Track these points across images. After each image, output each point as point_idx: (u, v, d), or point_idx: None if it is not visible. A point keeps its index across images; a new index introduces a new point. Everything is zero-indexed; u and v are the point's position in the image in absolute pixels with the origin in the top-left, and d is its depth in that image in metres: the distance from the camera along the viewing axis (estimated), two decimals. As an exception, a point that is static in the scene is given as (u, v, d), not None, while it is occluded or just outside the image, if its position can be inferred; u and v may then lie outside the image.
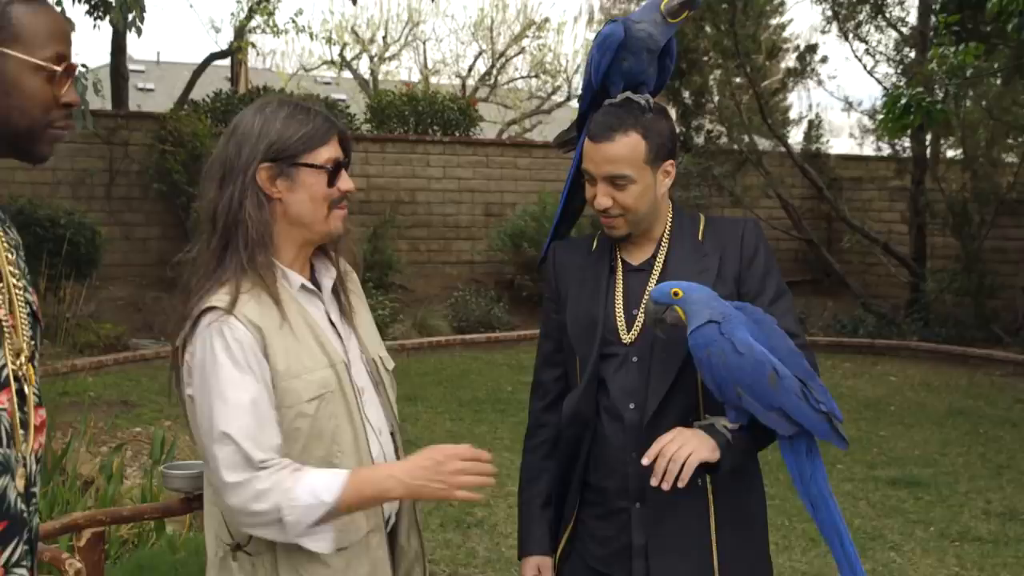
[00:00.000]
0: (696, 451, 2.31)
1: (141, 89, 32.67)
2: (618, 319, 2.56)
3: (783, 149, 15.56)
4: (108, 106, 15.40)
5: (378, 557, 2.27)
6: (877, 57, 14.80)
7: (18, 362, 1.77)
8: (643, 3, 2.61)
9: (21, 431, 1.76)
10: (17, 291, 1.81)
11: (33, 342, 1.83)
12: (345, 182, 2.28)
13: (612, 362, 2.55)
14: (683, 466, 2.28)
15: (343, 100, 23.36)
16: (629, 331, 2.54)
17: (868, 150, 16.45)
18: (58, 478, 5.42)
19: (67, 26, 1.85)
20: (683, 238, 2.60)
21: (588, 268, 2.66)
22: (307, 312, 2.28)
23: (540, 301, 14.13)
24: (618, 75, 2.60)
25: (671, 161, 2.55)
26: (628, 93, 2.57)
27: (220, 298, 2.16)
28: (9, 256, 1.83)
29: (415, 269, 15.53)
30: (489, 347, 13.07)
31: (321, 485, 2.10)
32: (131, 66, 33.04)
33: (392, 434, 2.40)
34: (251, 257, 2.19)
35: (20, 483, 1.75)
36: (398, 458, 2.38)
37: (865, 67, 14.90)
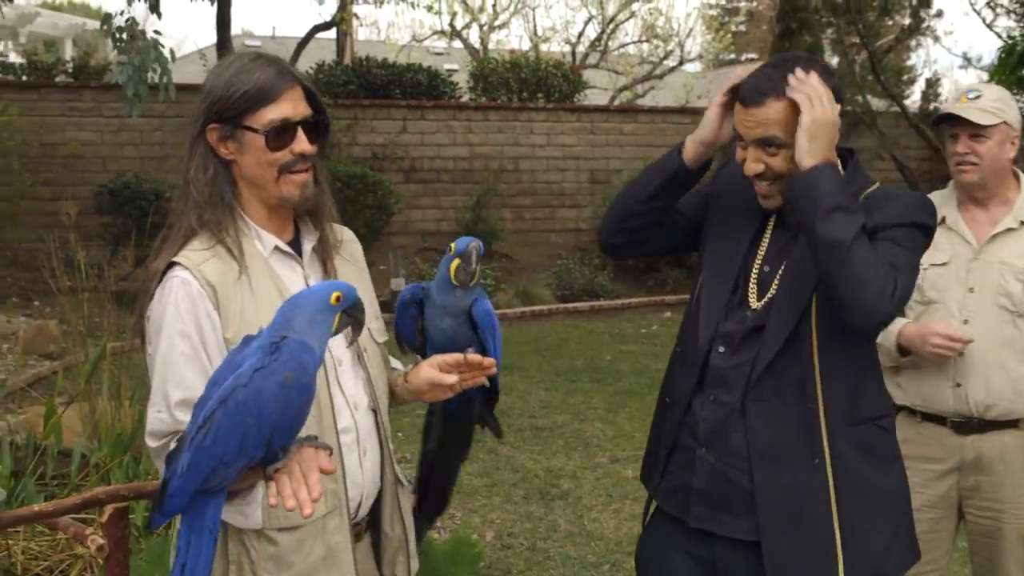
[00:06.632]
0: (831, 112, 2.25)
1: (257, 63, 33.18)
2: (752, 278, 2.46)
3: (898, 109, 15.03)
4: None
5: (336, 542, 2.14)
6: (997, 10, 14.17)
7: None
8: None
9: None
10: None
11: None
12: (300, 144, 2.13)
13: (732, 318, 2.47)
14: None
15: (454, 69, 23.32)
16: (760, 297, 2.44)
17: (990, 108, 15.79)
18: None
19: None
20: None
21: (742, 208, 2.54)
22: (277, 275, 2.16)
23: (645, 270, 13.68)
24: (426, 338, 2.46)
25: None
26: None
27: (181, 255, 2.09)
28: None
29: (519, 237, 15.45)
30: (591, 315, 12.91)
31: None
32: (247, 41, 33.74)
33: (373, 410, 2.27)
34: (200, 216, 2.12)
35: None
36: (378, 434, 2.27)
37: (984, 20, 14.20)
